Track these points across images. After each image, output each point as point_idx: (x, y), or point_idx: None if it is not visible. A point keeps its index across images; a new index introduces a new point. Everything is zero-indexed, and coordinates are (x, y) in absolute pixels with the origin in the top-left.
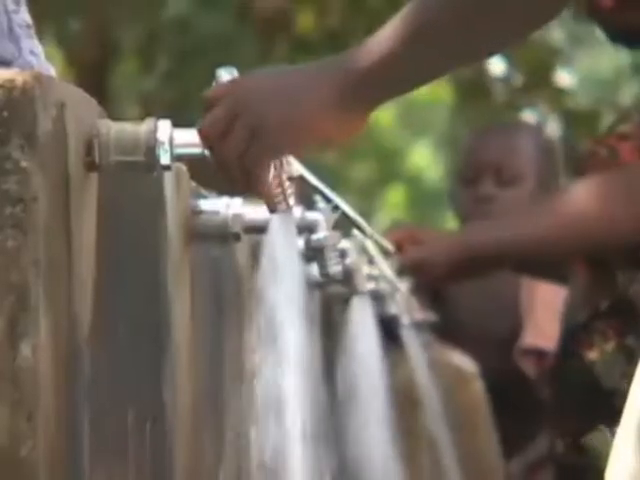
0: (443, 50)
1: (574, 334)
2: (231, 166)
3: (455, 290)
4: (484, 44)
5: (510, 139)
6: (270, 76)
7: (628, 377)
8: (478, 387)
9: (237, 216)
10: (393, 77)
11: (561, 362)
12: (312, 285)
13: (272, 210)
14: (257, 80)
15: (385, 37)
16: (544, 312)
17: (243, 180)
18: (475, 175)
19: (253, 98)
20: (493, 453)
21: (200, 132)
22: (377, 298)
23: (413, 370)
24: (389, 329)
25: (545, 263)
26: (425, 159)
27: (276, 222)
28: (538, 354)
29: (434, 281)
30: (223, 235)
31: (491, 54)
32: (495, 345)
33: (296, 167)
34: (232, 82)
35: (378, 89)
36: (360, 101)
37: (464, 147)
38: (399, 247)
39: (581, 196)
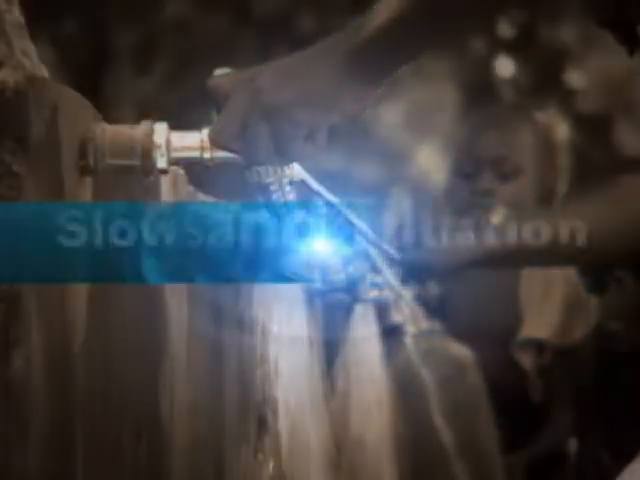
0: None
1: None
2: (264, 160)
3: (451, 282)
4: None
5: (510, 133)
6: (275, 65)
7: None
8: (476, 375)
9: None
10: (396, 41)
11: (612, 374)
12: (315, 293)
13: (272, 216)
14: (264, 70)
15: (386, 3)
16: (544, 303)
17: (283, 163)
18: (474, 169)
19: (264, 86)
20: (492, 442)
21: (212, 135)
22: (380, 306)
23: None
24: (393, 337)
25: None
26: (431, 163)
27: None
28: (537, 345)
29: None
30: None
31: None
32: (493, 338)
33: (297, 171)
34: (237, 74)
35: (383, 54)
36: (368, 67)
37: (462, 140)
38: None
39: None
